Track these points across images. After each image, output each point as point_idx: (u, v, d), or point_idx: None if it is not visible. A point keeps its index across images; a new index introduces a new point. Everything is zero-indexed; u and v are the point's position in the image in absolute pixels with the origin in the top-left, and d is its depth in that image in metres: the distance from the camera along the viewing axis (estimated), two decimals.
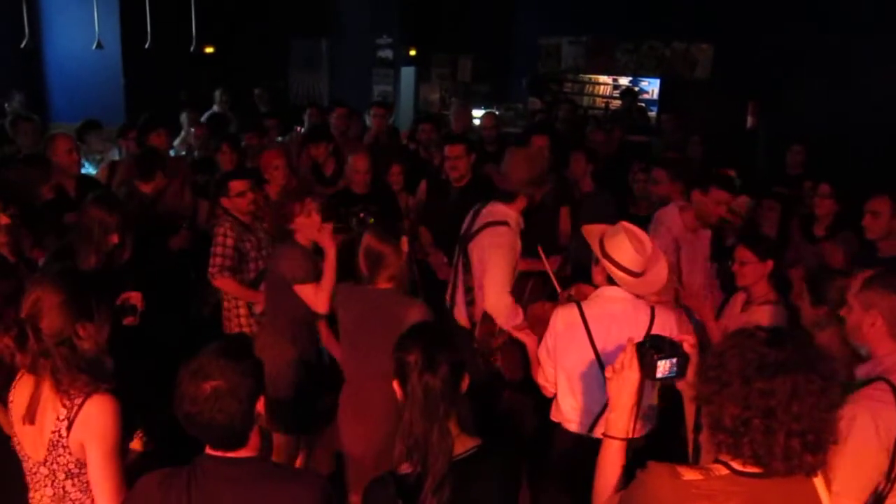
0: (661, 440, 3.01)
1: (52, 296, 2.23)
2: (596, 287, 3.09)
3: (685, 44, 11.00)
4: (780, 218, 4.57)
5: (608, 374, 1.98)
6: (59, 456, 2.20)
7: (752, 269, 3.52)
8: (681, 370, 1.94)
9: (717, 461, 1.71)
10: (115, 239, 3.65)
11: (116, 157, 6.33)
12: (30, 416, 2.19)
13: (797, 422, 1.59)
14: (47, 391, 2.19)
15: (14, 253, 3.59)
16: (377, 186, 5.32)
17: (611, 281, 2.98)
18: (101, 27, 7.44)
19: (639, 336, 2.88)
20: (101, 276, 3.50)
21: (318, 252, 3.79)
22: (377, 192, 5.27)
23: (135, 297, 3.09)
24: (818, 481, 1.71)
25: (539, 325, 3.45)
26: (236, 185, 4.29)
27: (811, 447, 1.61)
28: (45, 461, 2.21)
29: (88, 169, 6.09)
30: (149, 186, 4.80)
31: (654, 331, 2.94)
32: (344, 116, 6.93)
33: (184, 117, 7.45)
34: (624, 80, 11.70)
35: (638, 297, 3.00)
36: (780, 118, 8.89)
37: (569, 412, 3.09)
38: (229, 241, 4.14)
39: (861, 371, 2.38)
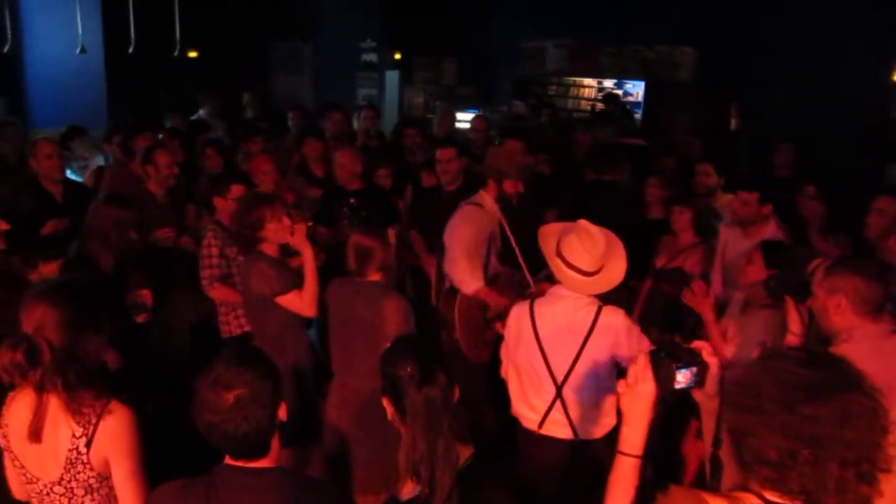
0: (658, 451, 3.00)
1: (57, 312, 2.14)
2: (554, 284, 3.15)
3: (668, 47, 11.07)
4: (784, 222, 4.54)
5: (620, 388, 1.80)
6: (79, 473, 2.13)
7: (753, 272, 3.46)
8: (699, 379, 1.79)
9: (745, 489, 1.56)
10: (133, 235, 3.69)
11: (102, 163, 6.26)
12: (35, 435, 2.10)
13: (850, 450, 1.44)
14: (55, 408, 2.11)
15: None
16: (366, 183, 5.35)
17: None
18: (84, 31, 7.36)
19: (578, 334, 2.97)
20: (113, 279, 3.48)
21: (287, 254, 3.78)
22: (366, 188, 5.30)
23: (145, 295, 3.05)
24: None
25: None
26: (238, 189, 4.27)
27: (867, 478, 1.45)
28: (61, 480, 2.14)
29: (72, 175, 6.02)
30: None
31: (595, 332, 2.96)
32: (341, 121, 6.93)
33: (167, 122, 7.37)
34: (609, 83, 11.74)
35: (590, 295, 3.00)
36: (763, 120, 8.97)
37: (520, 408, 3.16)
38: (214, 251, 4.10)
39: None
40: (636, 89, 11.25)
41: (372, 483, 3.22)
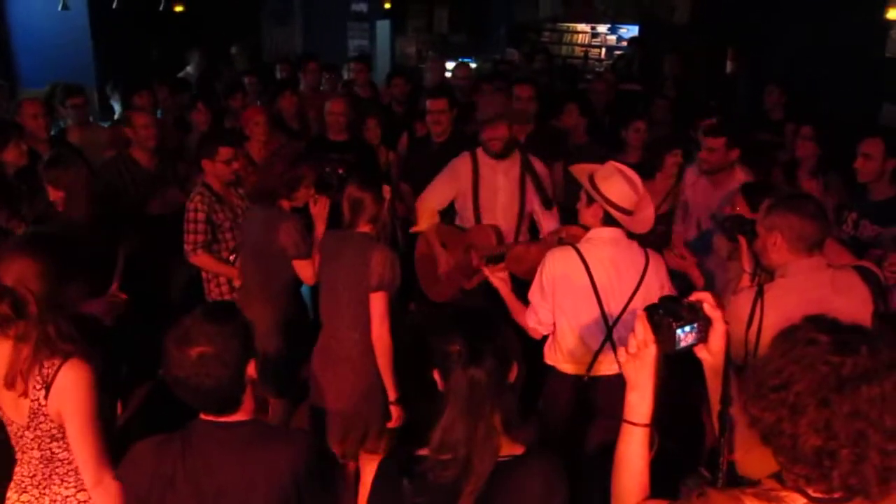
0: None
1: (36, 263, 2.18)
2: (586, 229, 3.13)
3: None
4: (763, 164, 4.52)
5: (621, 357, 1.69)
6: (41, 423, 2.18)
7: None
8: (702, 335, 1.66)
9: (782, 482, 1.44)
10: (91, 186, 3.69)
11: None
12: (9, 382, 2.14)
13: (893, 440, 1.31)
14: (28, 358, 2.14)
15: None
16: (355, 137, 5.31)
17: (605, 221, 3.02)
18: None
19: (635, 275, 2.99)
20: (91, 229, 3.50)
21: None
22: (354, 141, 5.25)
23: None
24: None
25: (520, 265, 3.49)
26: (225, 152, 4.10)
27: None
28: (29, 427, 2.20)
29: None
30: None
31: (648, 272, 3.01)
32: (317, 71, 6.85)
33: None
34: (602, 28, 11.57)
35: (630, 237, 3.05)
36: (760, 63, 8.84)
37: (568, 353, 3.15)
38: (200, 216, 4.01)
39: None
40: (630, 34, 11.09)
41: (347, 433, 3.29)
